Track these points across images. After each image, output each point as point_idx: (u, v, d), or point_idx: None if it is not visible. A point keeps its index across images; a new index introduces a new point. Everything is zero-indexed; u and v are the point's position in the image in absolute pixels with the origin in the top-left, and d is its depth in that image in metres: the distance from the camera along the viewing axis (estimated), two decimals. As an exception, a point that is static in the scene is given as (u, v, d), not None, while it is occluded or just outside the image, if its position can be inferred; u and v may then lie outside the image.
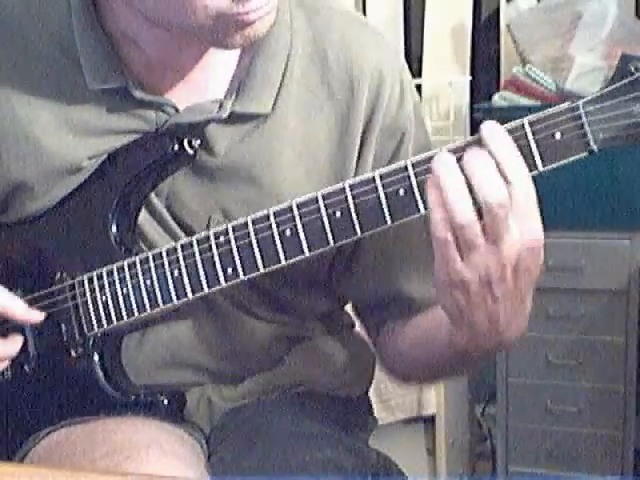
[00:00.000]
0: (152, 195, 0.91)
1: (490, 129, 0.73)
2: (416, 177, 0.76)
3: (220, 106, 0.89)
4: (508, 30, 2.00)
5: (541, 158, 0.74)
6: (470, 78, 2.20)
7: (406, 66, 0.98)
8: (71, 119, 0.90)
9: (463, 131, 2.20)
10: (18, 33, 0.91)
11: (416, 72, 2.33)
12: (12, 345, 0.93)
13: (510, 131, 0.74)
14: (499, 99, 1.93)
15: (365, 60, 0.92)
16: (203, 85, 0.91)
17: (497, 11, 2.19)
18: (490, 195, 0.70)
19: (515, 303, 0.77)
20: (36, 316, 0.92)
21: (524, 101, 1.89)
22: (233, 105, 0.89)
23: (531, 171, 0.74)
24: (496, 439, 2.14)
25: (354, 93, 0.91)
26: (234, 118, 0.89)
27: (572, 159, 0.74)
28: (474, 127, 2.23)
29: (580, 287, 1.93)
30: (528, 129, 0.74)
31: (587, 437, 2.01)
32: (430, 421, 1.93)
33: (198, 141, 0.88)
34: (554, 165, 0.74)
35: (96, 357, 0.92)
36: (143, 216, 0.91)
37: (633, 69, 0.72)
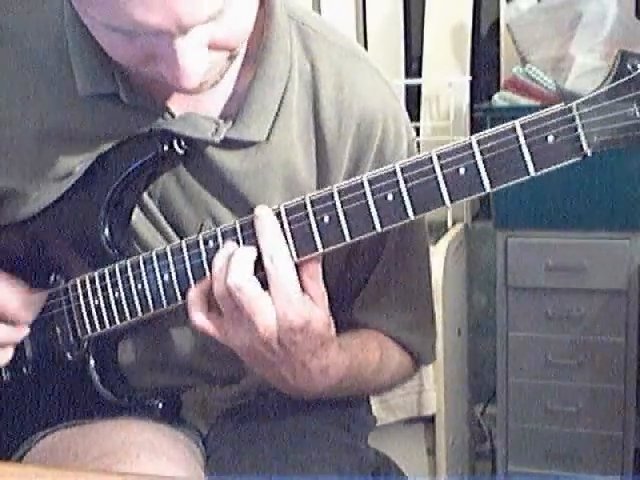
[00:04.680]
0: (146, 196, 0.90)
1: (260, 213, 0.79)
2: (405, 182, 0.75)
3: (216, 130, 0.87)
4: (508, 30, 2.00)
5: (533, 163, 0.71)
6: (470, 78, 2.20)
7: (402, 104, 0.96)
8: (62, 126, 0.89)
9: (463, 131, 2.20)
10: (15, 36, 0.90)
11: (416, 72, 2.33)
12: (17, 332, 0.92)
13: (501, 134, 0.71)
14: (499, 99, 1.92)
15: (356, 100, 0.89)
16: (195, 96, 0.88)
17: (497, 11, 2.19)
18: (231, 279, 0.77)
19: (295, 366, 0.82)
20: (24, 318, 0.91)
21: (524, 101, 1.88)
22: (229, 131, 0.87)
23: (522, 177, 0.71)
24: (496, 439, 2.14)
25: (340, 132, 0.89)
26: (229, 142, 0.88)
27: (565, 164, 0.70)
28: (474, 127, 2.23)
29: (580, 287, 1.92)
30: (520, 132, 0.71)
31: (587, 437, 2.01)
32: (430, 421, 1.93)
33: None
34: (546, 170, 0.71)
35: (92, 360, 0.92)
36: (137, 217, 0.91)
37: (631, 67, 0.67)
